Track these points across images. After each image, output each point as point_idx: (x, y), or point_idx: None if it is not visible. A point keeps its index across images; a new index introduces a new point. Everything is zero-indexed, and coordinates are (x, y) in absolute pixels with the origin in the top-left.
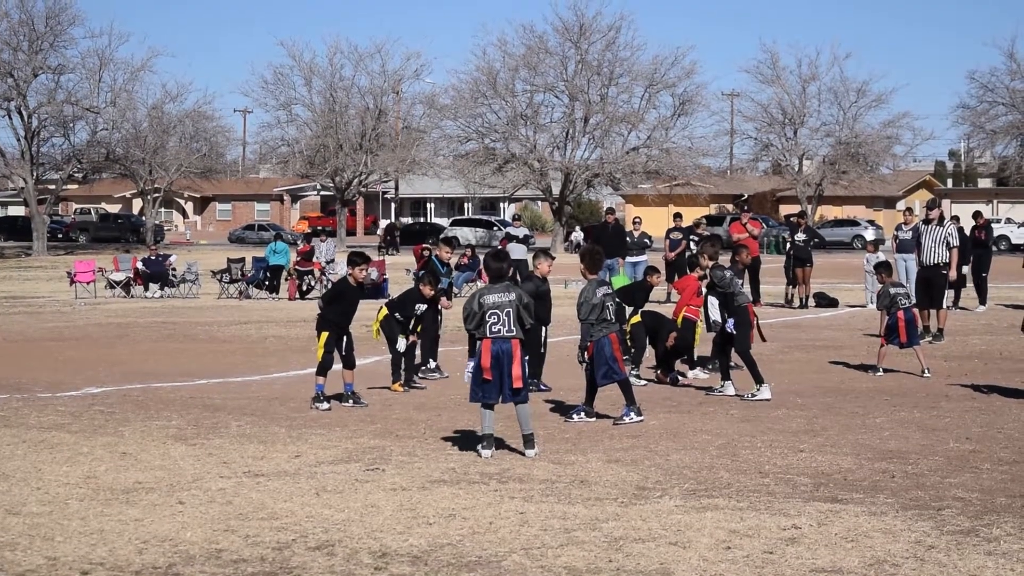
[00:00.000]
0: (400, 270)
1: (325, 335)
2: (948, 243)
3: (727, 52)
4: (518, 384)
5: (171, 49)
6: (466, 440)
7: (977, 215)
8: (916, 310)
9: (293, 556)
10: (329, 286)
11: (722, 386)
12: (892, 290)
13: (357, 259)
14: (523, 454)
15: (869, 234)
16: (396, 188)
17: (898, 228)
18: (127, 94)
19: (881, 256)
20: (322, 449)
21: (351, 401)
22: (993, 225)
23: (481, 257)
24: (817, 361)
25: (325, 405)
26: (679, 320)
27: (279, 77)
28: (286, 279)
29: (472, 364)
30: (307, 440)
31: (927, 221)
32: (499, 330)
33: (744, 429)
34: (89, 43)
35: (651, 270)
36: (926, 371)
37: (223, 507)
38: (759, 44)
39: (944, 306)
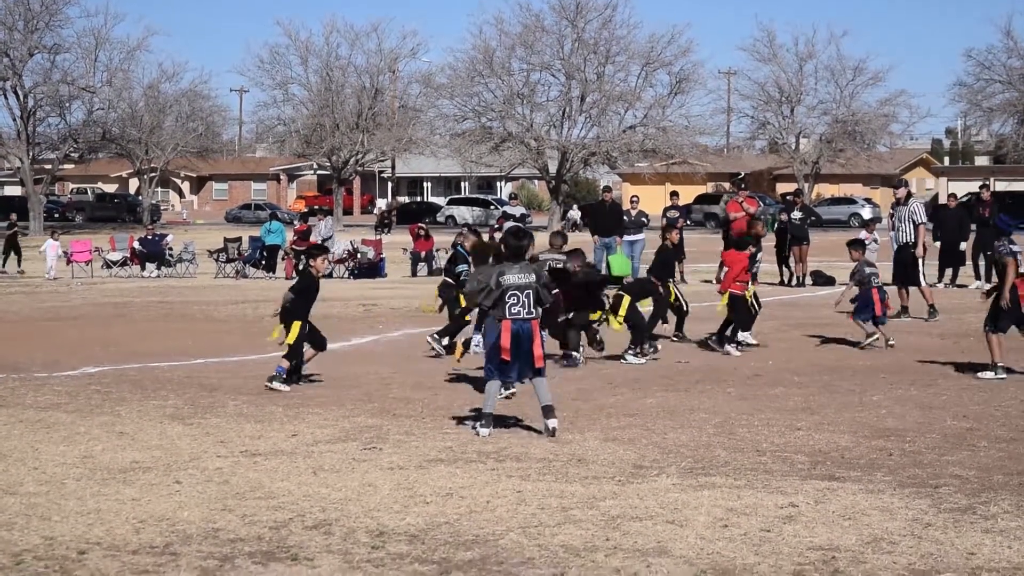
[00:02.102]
0: (397, 249)
1: (298, 324)
2: (913, 221)
3: (724, 30)
4: (540, 364)
5: (167, 28)
6: (463, 419)
7: (983, 188)
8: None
9: (290, 535)
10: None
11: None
12: (867, 269)
13: (316, 251)
14: (538, 432)
15: (866, 212)
16: (392, 167)
17: (894, 206)
18: (123, 73)
19: (877, 236)
20: (319, 428)
21: (274, 382)
22: None
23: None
24: (814, 339)
25: (286, 387)
26: (725, 297)
27: (275, 56)
28: (283, 258)
29: (480, 339)
30: (304, 419)
31: (897, 202)
32: (519, 312)
33: (741, 407)
34: (85, 23)
35: (670, 227)
36: (890, 340)
37: (220, 486)
38: (756, 22)
39: (922, 283)
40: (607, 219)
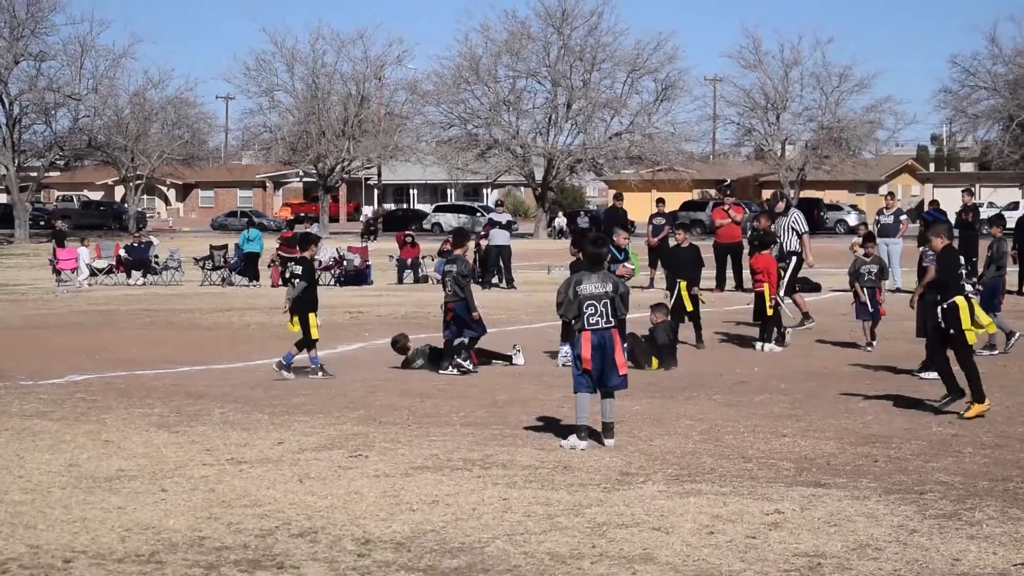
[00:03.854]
0: (383, 257)
1: (313, 316)
2: (796, 230)
3: (709, 37)
4: (624, 371)
5: (153, 36)
6: (447, 427)
7: (966, 192)
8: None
9: (276, 543)
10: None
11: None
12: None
13: (309, 240)
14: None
15: (852, 219)
16: (379, 174)
17: (879, 212)
18: (109, 81)
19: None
20: (305, 436)
21: (320, 373)
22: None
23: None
24: (800, 346)
25: (291, 375)
26: (767, 296)
27: (261, 63)
28: (269, 266)
29: (568, 351)
30: (290, 427)
31: (778, 214)
32: (597, 322)
33: (727, 414)
34: (70, 30)
35: (682, 227)
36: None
37: (206, 494)
38: (741, 29)
39: (795, 290)
40: (609, 224)
